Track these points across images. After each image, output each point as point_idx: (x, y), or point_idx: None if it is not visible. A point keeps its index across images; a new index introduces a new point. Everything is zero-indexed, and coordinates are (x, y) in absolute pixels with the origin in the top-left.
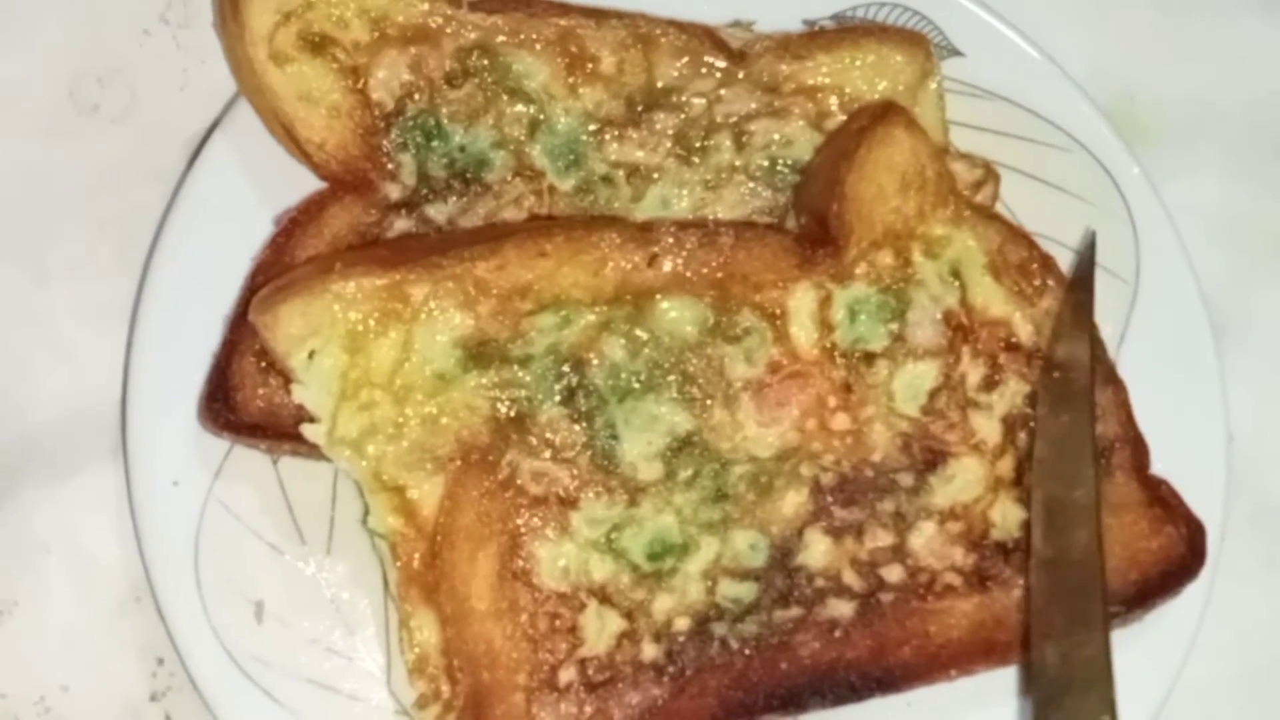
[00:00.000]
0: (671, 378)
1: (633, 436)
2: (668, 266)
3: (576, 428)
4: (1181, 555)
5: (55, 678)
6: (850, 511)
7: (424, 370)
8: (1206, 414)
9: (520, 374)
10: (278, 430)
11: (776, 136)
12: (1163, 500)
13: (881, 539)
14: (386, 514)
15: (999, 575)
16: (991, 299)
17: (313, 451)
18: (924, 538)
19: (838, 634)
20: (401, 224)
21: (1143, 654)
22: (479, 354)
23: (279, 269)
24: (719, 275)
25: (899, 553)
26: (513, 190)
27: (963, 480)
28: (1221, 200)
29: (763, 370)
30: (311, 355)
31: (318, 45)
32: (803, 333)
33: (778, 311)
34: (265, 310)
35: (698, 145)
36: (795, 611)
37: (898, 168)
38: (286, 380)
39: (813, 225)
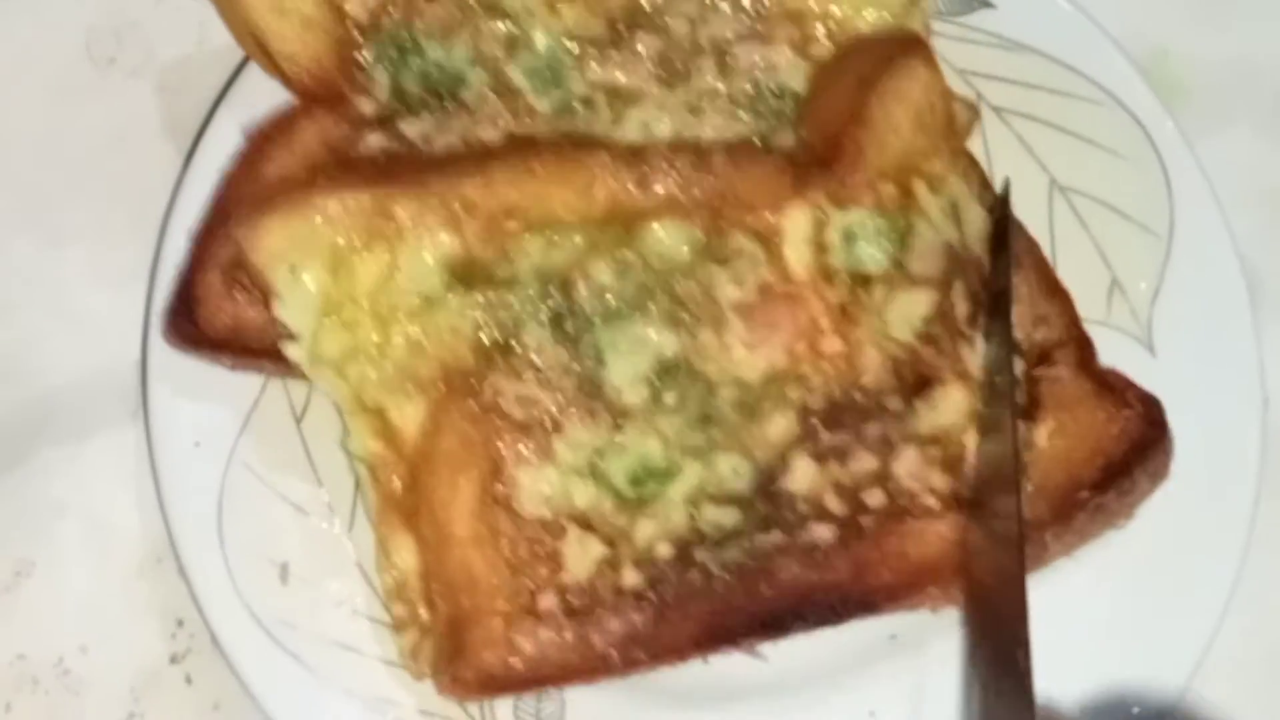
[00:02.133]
0: (659, 300)
1: (618, 360)
2: (658, 188)
3: (562, 351)
4: (1141, 431)
5: (74, 639)
6: (836, 435)
7: (408, 291)
8: (1242, 372)
9: (506, 296)
10: (243, 346)
11: (760, 61)
12: (1112, 387)
13: (866, 463)
14: (366, 436)
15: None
16: (976, 240)
17: (280, 369)
18: (906, 462)
19: (818, 557)
20: (375, 139)
21: (1175, 622)
22: (464, 275)
23: (249, 183)
24: (711, 197)
25: (881, 477)
26: (489, 109)
27: (946, 407)
28: (1256, 159)
29: (753, 292)
30: (293, 271)
31: None
32: (795, 254)
33: (771, 233)
34: (248, 225)
35: (680, 68)
36: (777, 536)
37: (914, 102)
38: (260, 295)
39: (818, 145)
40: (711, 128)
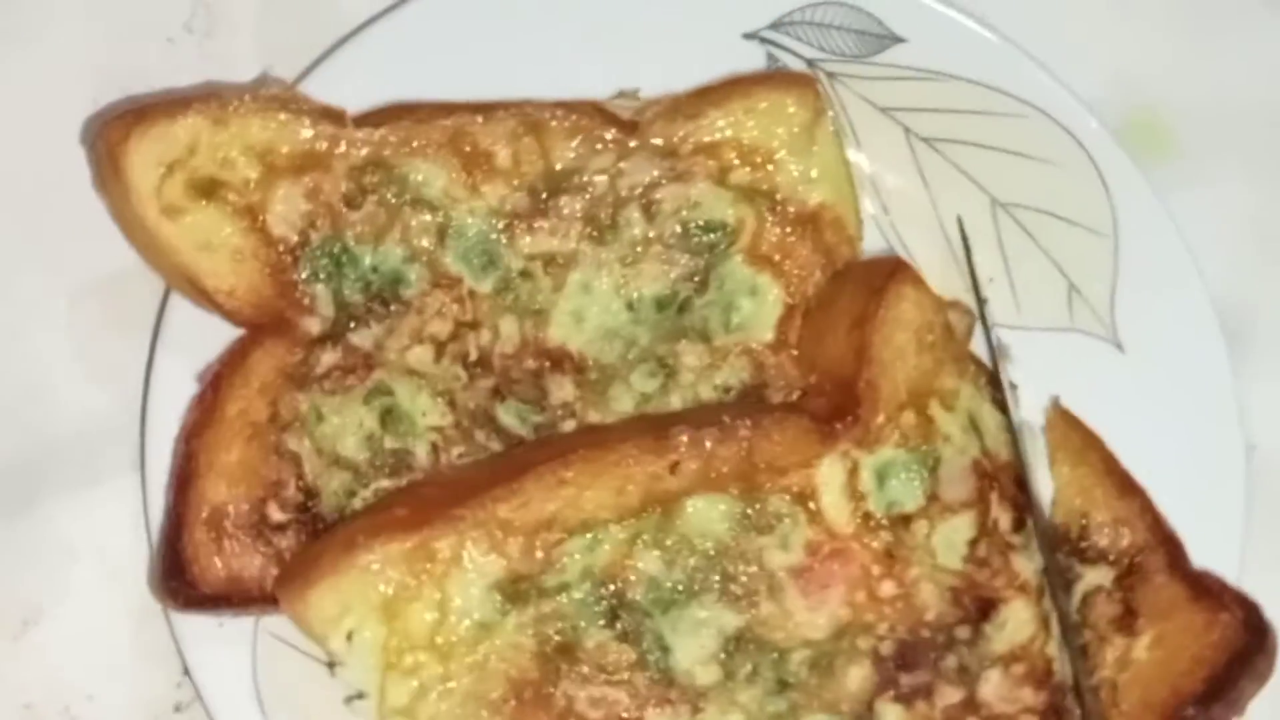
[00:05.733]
0: (712, 579)
1: (683, 644)
2: (690, 469)
3: (625, 646)
4: (1243, 638)
5: (81, 687)
6: (915, 675)
7: (464, 622)
8: (1209, 348)
9: (560, 603)
10: (243, 597)
11: (684, 200)
12: (1208, 590)
13: (951, 696)
14: None
15: (1072, 709)
16: (1000, 446)
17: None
18: (992, 685)
19: None
20: (328, 357)
21: None
22: (515, 592)
23: (211, 428)
24: (742, 467)
25: (971, 706)
26: (434, 303)
27: (1015, 622)
28: (1244, 207)
29: (802, 554)
30: (350, 636)
31: (208, 190)
32: (834, 508)
33: (807, 491)
34: (295, 598)
35: (608, 223)
36: None
37: (912, 325)
38: (249, 543)
39: (830, 391)
40: (650, 276)
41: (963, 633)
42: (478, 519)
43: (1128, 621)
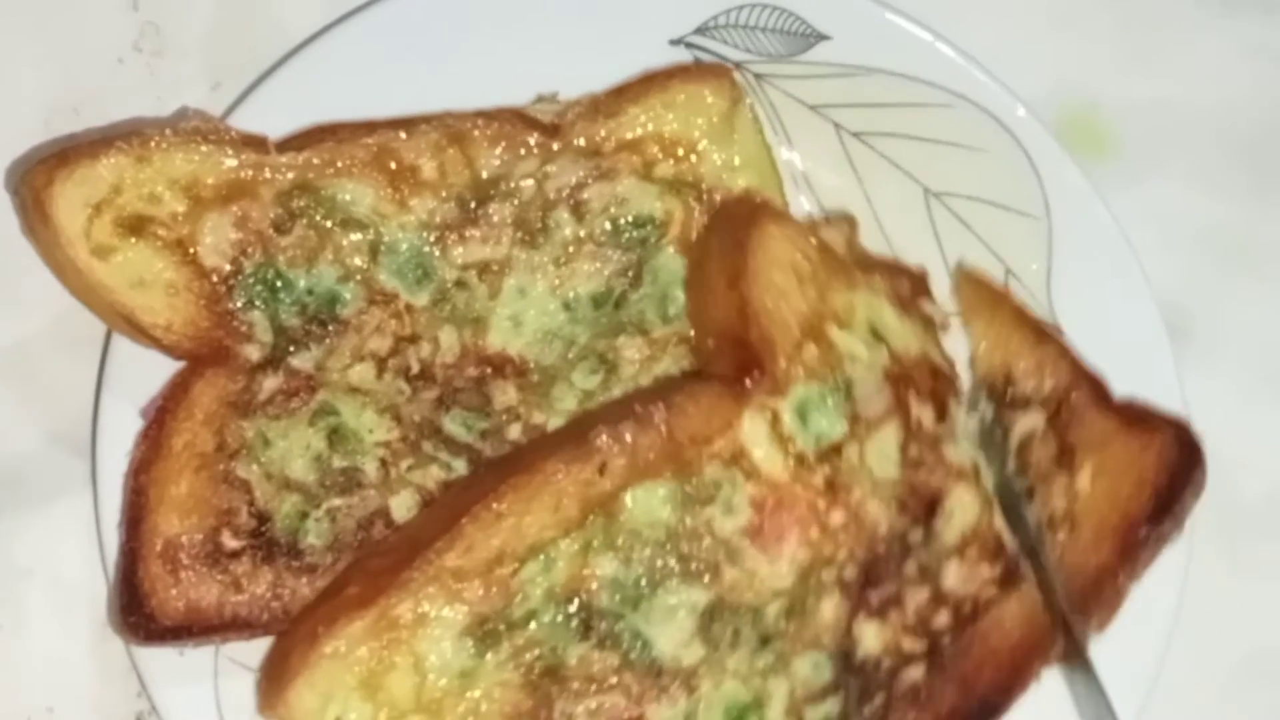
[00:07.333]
0: (671, 563)
1: (661, 633)
2: (618, 466)
3: (607, 652)
4: (1178, 454)
5: (40, 701)
6: (882, 589)
7: (445, 676)
8: (1146, 322)
9: (532, 631)
10: (203, 626)
11: (611, 198)
12: (1138, 416)
13: (919, 595)
14: None
15: (1025, 573)
16: (909, 340)
17: (242, 635)
18: (953, 574)
19: (924, 696)
20: (271, 382)
21: (1120, 658)
22: (486, 634)
23: (159, 462)
24: (668, 448)
25: (939, 599)
26: (372, 320)
27: (960, 509)
28: (1185, 206)
29: (749, 513)
30: None
31: (136, 227)
32: (768, 459)
33: (737, 452)
34: (277, 703)
35: (538, 226)
36: (880, 698)
37: (786, 262)
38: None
39: (729, 350)
40: (584, 275)
41: (916, 535)
42: (429, 575)
43: (1067, 457)
